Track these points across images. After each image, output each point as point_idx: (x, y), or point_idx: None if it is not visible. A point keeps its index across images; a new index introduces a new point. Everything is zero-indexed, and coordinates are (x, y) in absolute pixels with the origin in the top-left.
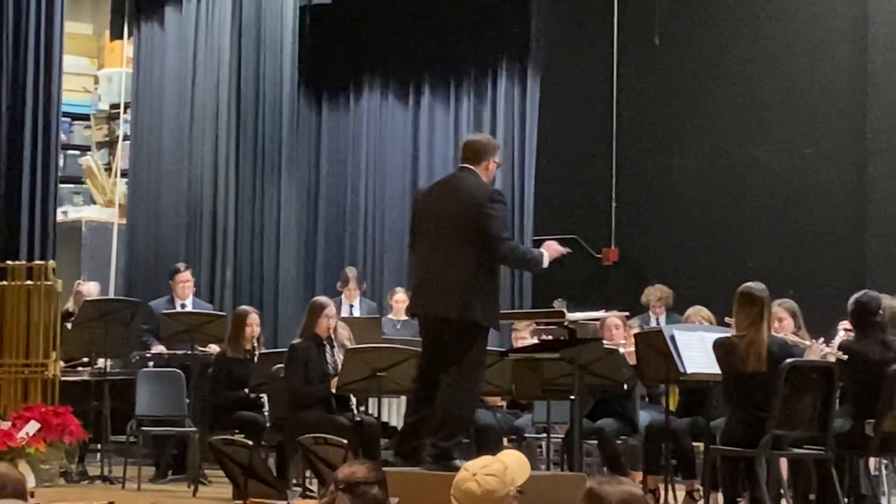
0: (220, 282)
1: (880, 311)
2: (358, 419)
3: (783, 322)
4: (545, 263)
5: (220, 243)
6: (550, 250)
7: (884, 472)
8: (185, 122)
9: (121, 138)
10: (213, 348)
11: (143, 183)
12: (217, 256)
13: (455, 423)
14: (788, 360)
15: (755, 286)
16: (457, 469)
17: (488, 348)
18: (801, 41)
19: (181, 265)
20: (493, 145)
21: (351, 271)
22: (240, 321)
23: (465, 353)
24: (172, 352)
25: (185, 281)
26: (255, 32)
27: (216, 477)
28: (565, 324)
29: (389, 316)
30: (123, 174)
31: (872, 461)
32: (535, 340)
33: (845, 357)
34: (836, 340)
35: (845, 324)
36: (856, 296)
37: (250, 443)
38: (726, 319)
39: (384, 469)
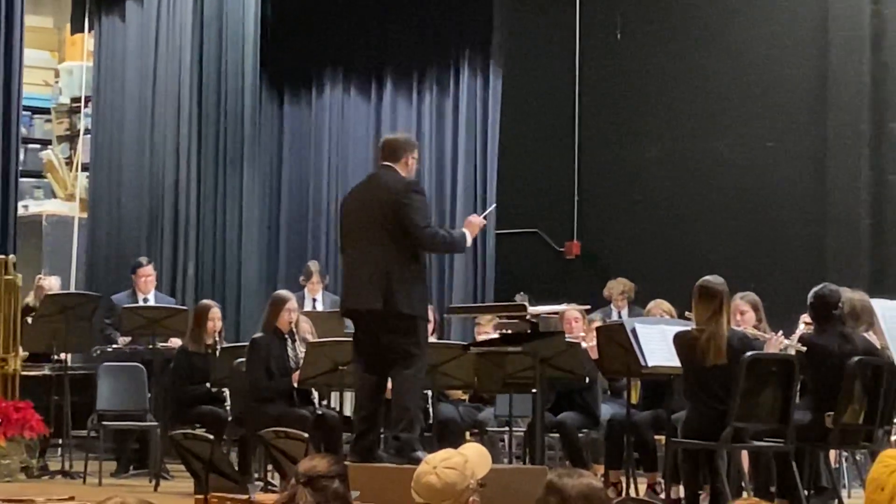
0: (182, 276)
1: (840, 305)
2: (320, 413)
3: (745, 315)
4: (469, 242)
5: (181, 237)
6: (471, 227)
7: (844, 464)
8: (147, 116)
9: (82, 132)
10: (175, 342)
11: (105, 177)
12: (179, 251)
13: (410, 415)
14: (748, 354)
15: (714, 280)
16: (419, 461)
17: (451, 342)
18: (762, 35)
19: (143, 259)
20: (411, 142)
21: (314, 265)
22: (201, 315)
23: (401, 343)
24: (134, 346)
25: (147, 275)
26: (217, 26)
27: (177, 471)
28: (527, 317)
29: None
30: (84, 168)
31: (833, 453)
32: (498, 334)
33: (804, 350)
34: (797, 333)
35: (806, 317)
36: (815, 289)
37: (211, 437)
38: (686, 313)
39: (345, 463)
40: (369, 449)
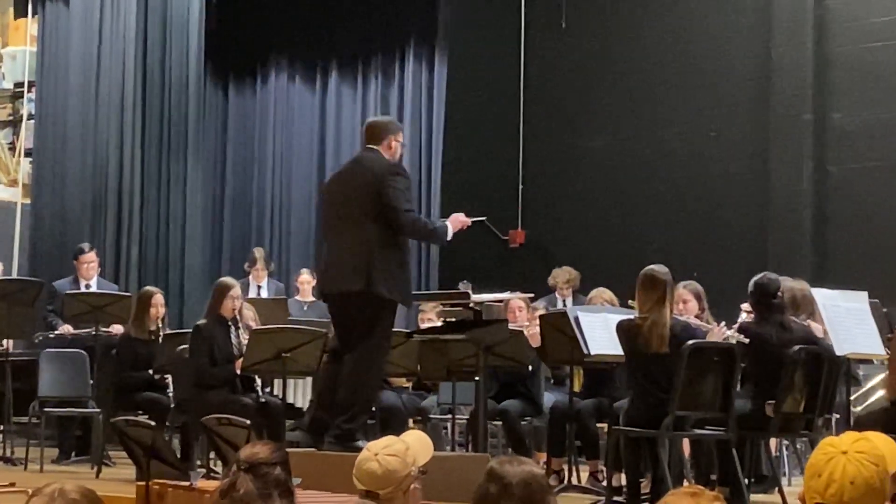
0: (126, 262)
1: (779, 293)
2: (263, 400)
3: (687, 304)
4: (449, 235)
5: (125, 224)
6: (455, 223)
7: (784, 452)
8: (91, 102)
9: (25, 117)
10: (118, 329)
11: (48, 162)
12: (122, 237)
13: (359, 405)
14: (690, 342)
15: (658, 268)
16: (359, 450)
17: (394, 329)
18: (706, 26)
19: (85, 245)
20: (394, 125)
21: (258, 252)
22: (144, 302)
23: (371, 329)
24: (76, 332)
25: (90, 261)
26: (162, 12)
27: (119, 458)
28: (471, 305)
29: (296, 297)
30: (28, 154)
31: (773, 442)
32: (441, 322)
33: (746, 341)
34: (738, 322)
35: (746, 306)
36: (755, 278)
37: (153, 423)
38: (629, 302)
39: (287, 450)
40: (322, 432)
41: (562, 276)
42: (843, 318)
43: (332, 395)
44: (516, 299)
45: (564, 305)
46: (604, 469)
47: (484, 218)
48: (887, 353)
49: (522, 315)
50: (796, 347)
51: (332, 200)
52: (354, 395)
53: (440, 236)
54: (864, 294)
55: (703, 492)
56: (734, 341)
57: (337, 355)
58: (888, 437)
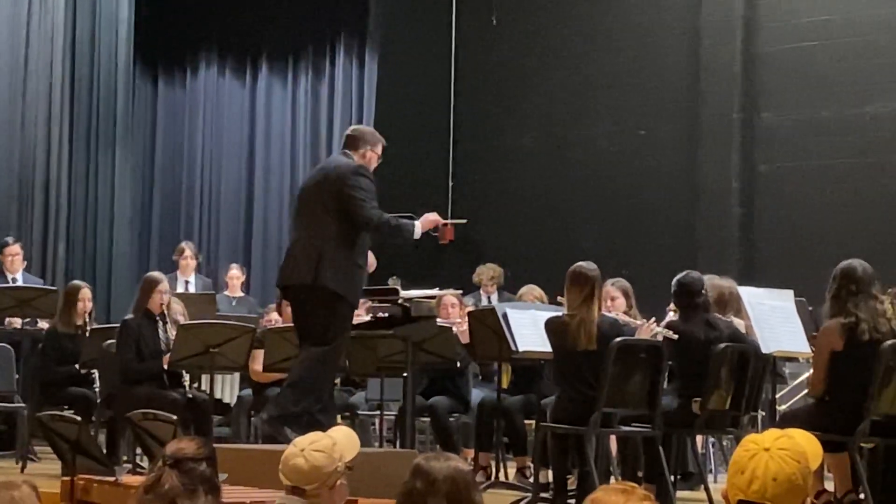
0: (53, 256)
1: (703, 291)
2: (190, 396)
3: (616, 301)
4: (417, 234)
5: (52, 217)
6: (426, 222)
7: (711, 449)
8: (18, 95)
9: None
10: (44, 324)
11: None
12: (49, 231)
13: (300, 391)
14: (618, 339)
15: (586, 265)
16: (288, 441)
17: None
18: (636, 23)
19: (10, 238)
20: (374, 137)
21: (187, 246)
22: (71, 296)
23: (324, 322)
24: (1, 327)
25: (14, 254)
26: (91, 4)
27: (44, 453)
28: (400, 301)
29: (225, 292)
30: None
31: (699, 439)
32: (370, 318)
33: (676, 337)
34: (665, 320)
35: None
36: (678, 277)
37: (79, 418)
38: (559, 298)
39: (214, 445)
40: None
41: (486, 273)
42: (769, 317)
43: None
44: (450, 296)
45: (489, 302)
46: (531, 465)
47: (464, 221)
48: (812, 352)
49: (455, 311)
50: (723, 345)
51: (300, 198)
52: (294, 382)
53: (406, 233)
54: (790, 293)
55: (634, 489)
56: (660, 338)
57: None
58: (810, 434)
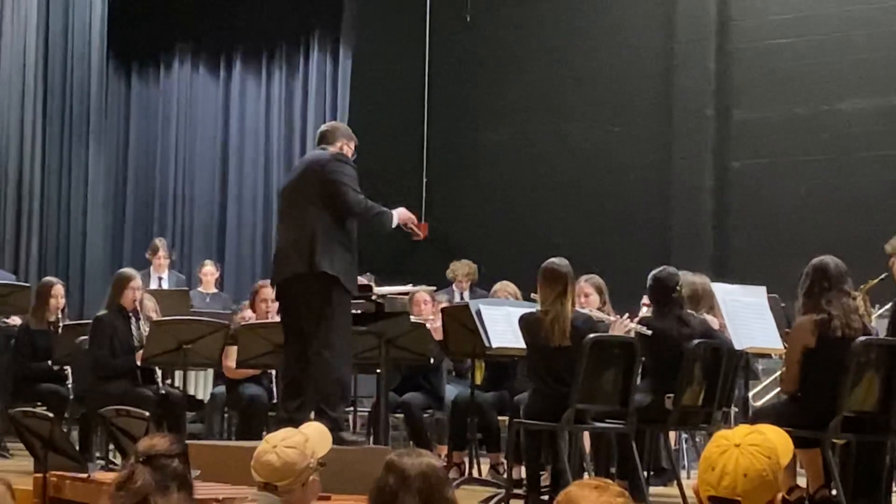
0: (26, 253)
1: (678, 287)
2: (163, 392)
3: (589, 297)
4: (394, 223)
5: (25, 214)
6: (403, 215)
7: (684, 445)
8: None
9: None
10: (16, 320)
11: None
12: (22, 227)
13: (334, 391)
14: (591, 336)
15: (559, 262)
16: (346, 442)
17: None
18: (610, 21)
19: None
20: (348, 131)
21: (160, 241)
22: (44, 292)
23: (325, 312)
24: None
25: None
26: (63, 1)
27: (17, 450)
28: (373, 297)
29: (199, 289)
30: None
31: (672, 435)
32: None
33: (650, 333)
34: (639, 316)
35: (647, 300)
36: (654, 272)
37: (51, 415)
38: (532, 295)
39: (186, 442)
40: (290, 417)
41: (461, 269)
42: (742, 313)
43: (295, 374)
44: (423, 293)
45: (462, 298)
46: (504, 462)
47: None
48: (785, 348)
49: (428, 308)
50: (696, 341)
51: (283, 195)
52: (328, 384)
53: (386, 221)
54: (763, 289)
55: (608, 485)
56: (633, 334)
57: (293, 340)
58: (780, 430)
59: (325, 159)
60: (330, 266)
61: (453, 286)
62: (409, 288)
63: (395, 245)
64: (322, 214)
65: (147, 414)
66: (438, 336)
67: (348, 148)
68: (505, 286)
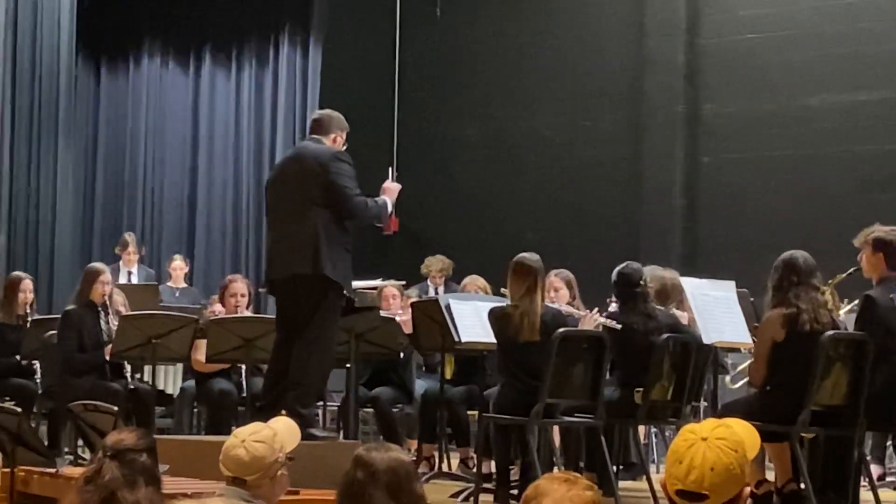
0: None
1: (642, 282)
2: (132, 387)
3: (559, 292)
4: (390, 207)
5: None
6: (389, 193)
7: (653, 440)
8: None
9: None
10: None
11: None
12: None
13: (307, 390)
14: (560, 330)
15: (529, 256)
16: (315, 438)
17: (266, 316)
18: (580, 16)
19: None
20: (343, 122)
21: (130, 236)
22: (13, 287)
23: (319, 312)
24: None
25: None
26: None
27: None
28: (343, 292)
29: (168, 283)
30: None
31: (642, 429)
32: None
33: (619, 327)
34: (606, 312)
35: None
36: (618, 268)
37: (19, 410)
38: (502, 289)
39: (155, 437)
40: (272, 404)
41: (435, 264)
42: (711, 307)
43: (279, 367)
44: (390, 287)
45: (437, 293)
46: (474, 456)
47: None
48: (754, 342)
49: (396, 302)
50: (665, 336)
51: (275, 190)
52: (299, 379)
53: (385, 213)
54: (732, 283)
55: (577, 479)
56: (601, 328)
57: (283, 346)
58: (748, 424)
59: (325, 158)
60: (332, 271)
61: (427, 281)
62: (378, 283)
63: (365, 240)
64: (323, 214)
65: (115, 409)
66: (408, 330)
67: (341, 138)
68: (474, 280)
